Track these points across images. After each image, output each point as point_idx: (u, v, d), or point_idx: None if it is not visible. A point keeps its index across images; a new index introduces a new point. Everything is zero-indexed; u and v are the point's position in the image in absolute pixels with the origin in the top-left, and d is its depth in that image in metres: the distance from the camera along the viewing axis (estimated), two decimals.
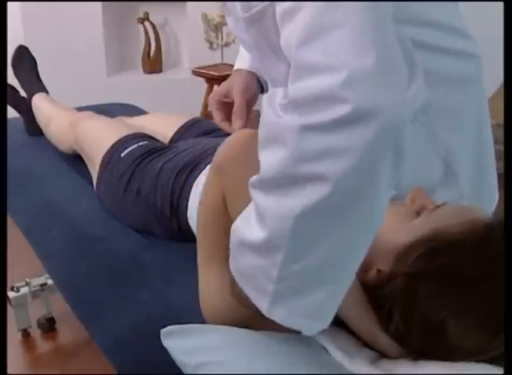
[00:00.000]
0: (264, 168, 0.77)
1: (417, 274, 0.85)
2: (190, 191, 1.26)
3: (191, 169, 1.30)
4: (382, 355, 0.92)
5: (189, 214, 1.25)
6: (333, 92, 0.68)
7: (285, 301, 0.82)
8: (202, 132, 1.64)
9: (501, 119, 3.62)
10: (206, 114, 2.77)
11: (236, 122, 1.27)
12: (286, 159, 0.73)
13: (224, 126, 1.31)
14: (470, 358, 0.84)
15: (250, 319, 0.93)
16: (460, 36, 1.12)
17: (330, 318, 0.84)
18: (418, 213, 0.93)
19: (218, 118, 1.32)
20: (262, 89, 1.40)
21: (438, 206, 0.94)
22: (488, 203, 1.26)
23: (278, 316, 0.83)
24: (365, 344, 0.94)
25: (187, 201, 1.26)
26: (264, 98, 0.82)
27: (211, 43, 3.03)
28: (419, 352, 0.87)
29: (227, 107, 1.31)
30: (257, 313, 0.85)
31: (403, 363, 0.88)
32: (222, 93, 1.33)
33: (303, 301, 0.81)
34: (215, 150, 1.32)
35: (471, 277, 0.83)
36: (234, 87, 1.33)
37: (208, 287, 1.00)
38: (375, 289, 0.91)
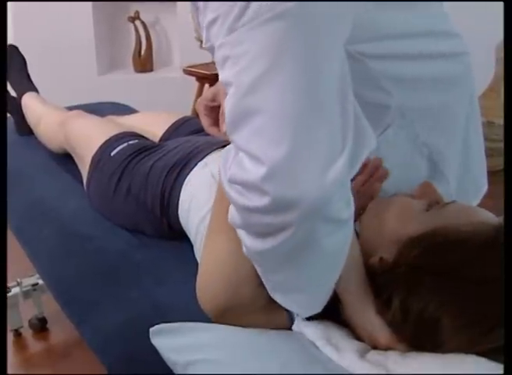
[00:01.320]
0: (231, 218, 0.84)
1: (421, 267, 0.86)
2: (180, 189, 1.26)
3: (182, 167, 1.30)
4: (373, 346, 0.93)
5: (179, 212, 1.25)
6: (256, 184, 0.72)
7: (279, 292, 0.91)
8: (192, 130, 1.63)
9: (491, 117, 3.64)
10: (197, 113, 2.77)
11: (224, 124, 1.26)
12: (242, 225, 0.82)
13: (212, 131, 1.31)
14: (457, 350, 0.85)
15: (247, 302, 0.96)
16: (443, 37, 1.11)
17: (322, 306, 0.91)
18: (428, 207, 0.94)
19: (205, 123, 1.32)
20: None
21: (447, 203, 0.95)
22: (472, 199, 1.26)
23: (277, 300, 0.92)
24: (356, 336, 0.95)
25: (178, 199, 1.26)
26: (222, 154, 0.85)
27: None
28: (410, 342, 0.88)
29: (215, 112, 1.31)
30: (255, 297, 0.95)
31: (392, 356, 0.88)
32: (208, 97, 1.32)
33: (291, 298, 0.91)
34: (206, 147, 1.32)
35: (474, 278, 0.84)
36: (220, 90, 1.32)
37: (218, 254, 0.98)
38: (375, 276, 0.93)
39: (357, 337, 0.96)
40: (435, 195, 0.98)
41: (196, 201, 1.20)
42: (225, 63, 0.75)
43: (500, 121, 3.42)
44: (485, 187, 1.31)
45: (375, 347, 0.93)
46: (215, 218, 1.01)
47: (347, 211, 0.78)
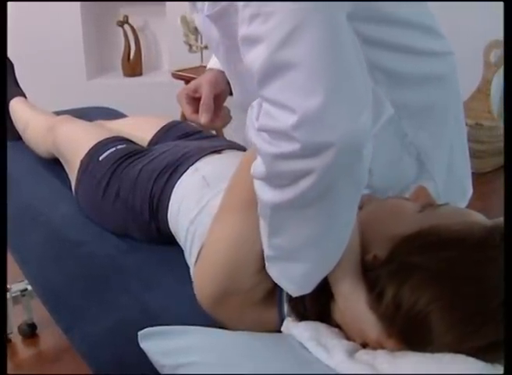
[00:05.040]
0: (255, 169, 0.87)
1: (413, 263, 0.88)
2: (170, 193, 1.26)
3: (172, 172, 1.30)
4: (362, 343, 0.93)
5: (169, 216, 1.25)
6: (286, 132, 0.75)
7: (275, 264, 0.94)
8: (181, 135, 1.63)
9: (479, 119, 3.65)
10: (185, 117, 2.77)
11: (203, 115, 1.31)
12: (265, 175, 0.83)
13: (193, 118, 1.34)
14: (447, 348, 0.86)
15: (245, 288, 0.97)
16: (432, 35, 1.13)
17: (313, 286, 0.94)
18: (421, 209, 0.97)
19: (187, 111, 1.35)
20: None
21: (440, 205, 0.98)
22: (459, 202, 1.27)
23: (271, 274, 0.95)
24: (346, 335, 0.96)
25: (167, 203, 1.26)
26: (249, 111, 0.87)
27: (190, 46, 3.03)
28: (400, 338, 0.89)
29: (196, 102, 1.34)
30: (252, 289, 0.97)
31: (381, 356, 0.89)
32: (191, 88, 1.36)
33: (288, 270, 0.93)
34: (196, 152, 1.32)
35: (465, 275, 0.85)
36: (203, 82, 1.36)
37: (224, 234, 0.99)
38: (368, 271, 0.94)
39: (347, 336, 0.96)
40: (428, 199, 1.01)
41: (186, 203, 1.20)
42: (254, 21, 0.78)
43: (488, 123, 3.44)
44: (470, 190, 1.32)
45: (364, 344, 0.94)
46: (228, 199, 1.02)
47: (366, 167, 0.82)
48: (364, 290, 0.93)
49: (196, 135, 1.62)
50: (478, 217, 0.94)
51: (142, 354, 0.95)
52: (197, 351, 0.90)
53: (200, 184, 1.22)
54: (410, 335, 0.88)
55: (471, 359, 0.84)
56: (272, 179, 0.83)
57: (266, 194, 0.86)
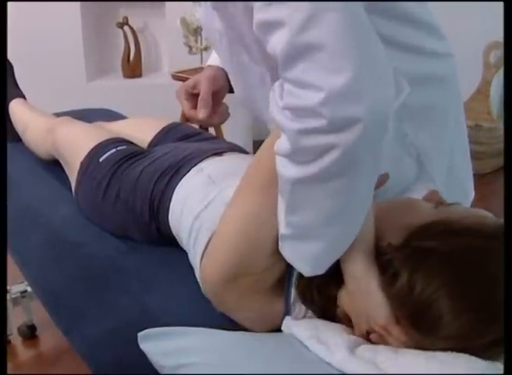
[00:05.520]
0: (279, 147, 0.87)
1: (427, 248, 0.90)
2: (171, 194, 1.26)
3: (173, 173, 1.30)
4: (368, 331, 0.94)
5: (170, 216, 1.25)
6: (313, 108, 0.77)
7: (289, 244, 0.94)
8: (181, 136, 1.63)
9: (479, 121, 3.65)
10: (186, 119, 2.76)
11: (201, 110, 1.32)
12: (290, 151, 0.84)
13: (193, 114, 1.35)
14: (454, 341, 0.87)
15: (256, 271, 0.97)
16: (435, 35, 1.13)
17: (326, 266, 0.95)
18: (436, 206, 1.00)
19: (186, 107, 1.36)
20: (232, 88, 1.42)
21: (452, 204, 1.02)
22: (461, 203, 1.27)
23: (285, 254, 0.96)
24: (347, 329, 0.97)
25: (169, 204, 1.26)
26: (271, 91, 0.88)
27: (190, 47, 3.03)
28: (409, 322, 0.90)
29: (194, 98, 1.35)
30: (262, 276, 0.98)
31: (382, 353, 0.89)
32: (190, 84, 1.37)
33: (303, 249, 0.93)
34: (198, 154, 1.32)
35: (476, 264, 0.88)
36: (202, 78, 1.37)
37: (240, 214, 0.99)
38: (381, 255, 0.95)
39: (350, 328, 0.98)
40: (440, 200, 1.03)
41: (190, 201, 1.20)
42: (272, 6, 0.79)
43: (488, 124, 3.44)
44: (472, 193, 1.32)
45: (368, 335, 0.95)
46: (246, 180, 1.02)
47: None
48: (377, 272, 0.94)
49: (196, 137, 1.62)
50: (487, 213, 0.98)
51: (142, 355, 0.95)
52: (197, 352, 0.90)
53: (205, 182, 1.22)
54: (420, 319, 0.89)
55: (473, 358, 0.84)
56: (297, 155, 0.84)
57: (288, 169, 0.86)
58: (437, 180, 1.20)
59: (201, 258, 1.07)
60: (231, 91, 1.43)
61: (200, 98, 1.33)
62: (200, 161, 1.30)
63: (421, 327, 0.89)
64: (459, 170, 1.28)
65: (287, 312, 1.02)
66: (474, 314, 0.86)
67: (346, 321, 0.99)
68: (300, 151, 0.83)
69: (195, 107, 1.34)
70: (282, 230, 0.94)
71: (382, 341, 0.94)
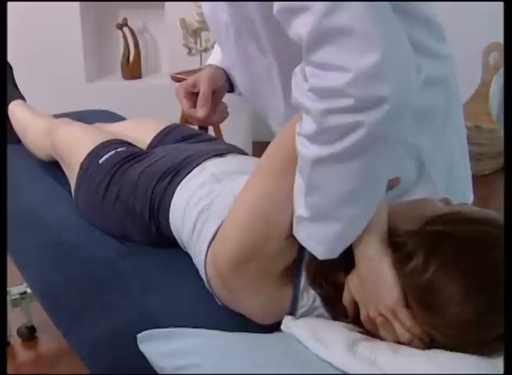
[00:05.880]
0: (302, 128, 0.90)
1: (443, 233, 0.92)
2: (172, 195, 1.26)
3: (174, 174, 1.30)
4: (374, 315, 0.95)
5: (171, 217, 1.25)
6: (340, 89, 0.79)
7: (306, 226, 0.95)
8: (181, 138, 1.63)
9: (479, 122, 3.64)
10: (185, 120, 2.77)
11: (201, 109, 1.33)
12: (314, 132, 0.86)
13: (192, 113, 1.36)
14: (460, 327, 0.88)
15: (270, 252, 0.98)
16: (438, 37, 1.14)
17: (341, 249, 0.95)
18: (447, 203, 1.03)
19: (185, 106, 1.37)
20: (231, 87, 1.44)
21: (462, 203, 1.05)
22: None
23: (299, 237, 0.97)
24: (344, 324, 0.99)
25: (170, 204, 1.25)
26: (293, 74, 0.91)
27: (189, 48, 3.03)
28: (418, 301, 0.91)
29: (194, 97, 1.36)
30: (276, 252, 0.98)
31: (381, 350, 0.90)
32: (190, 83, 1.38)
33: (318, 230, 0.94)
34: (199, 156, 1.33)
35: (491, 250, 0.90)
36: (202, 77, 1.37)
37: (258, 195, 1.00)
38: (396, 238, 0.96)
39: (349, 322, 0.99)
40: (448, 201, 1.05)
41: (195, 197, 1.20)
42: None
43: (487, 125, 3.44)
44: (471, 195, 1.33)
45: (373, 322, 0.95)
46: (263, 164, 1.03)
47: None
48: (390, 252, 0.95)
49: (195, 138, 1.62)
50: (494, 212, 1.00)
51: (141, 356, 0.95)
52: (196, 354, 0.90)
53: (209, 180, 1.22)
54: (430, 298, 0.90)
55: (473, 359, 0.84)
56: (321, 135, 0.85)
57: (309, 150, 0.88)
58: (437, 182, 1.20)
59: (208, 247, 1.08)
60: (230, 90, 1.44)
61: (199, 97, 1.34)
62: (202, 161, 1.31)
63: (430, 307, 0.90)
64: (458, 172, 1.28)
65: (295, 301, 1.02)
66: (486, 298, 0.87)
67: (352, 309, 0.99)
68: (325, 132, 0.84)
69: (194, 106, 1.35)
70: (300, 211, 0.95)
71: (388, 327, 0.94)
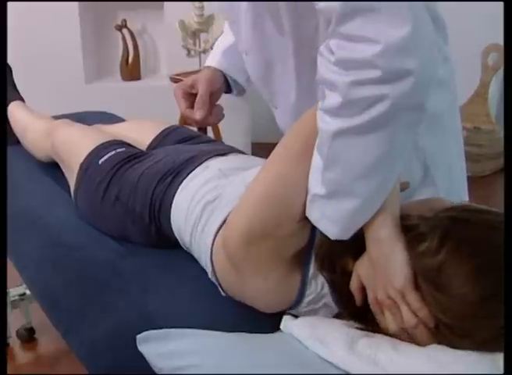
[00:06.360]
0: (325, 103, 0.91)
1: (456, 218, 0.95)
2: (173, 196, 1.26)
3: (176, 173, 1.30)
4: (381, 299, 0.95)
5: (172, 219, 1.25)
6: (368, 60, 0.82)
7: (320, 204, 0.95)
8: (180, 139, 1.64)
9: (478, 123, 3.65)
10: (184, 121, 2.77)
11: (198, 111, 1.36)
12: (339, 104, 0.87)
13: (188, 113, 1.38)
14: (466, 311, 0.88)
15: (282, 234, 0.98)
16: (445, 38, 1.15)
17: (354, 229, 0.96)
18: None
19: (183, 106, 1.40)
20: (228, 88, 1.46)
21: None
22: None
23: (312, 217, 0.97)
24: (344, 322, 0.99)
25: (170, 206, 1.25)
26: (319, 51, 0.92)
27: (188, 50, 3.03)
28: (426, 280, 0.92)
29: (191, 97, 1.39)
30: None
31: (382, 347, 0.90)
32: (188, 84, 1.41)
33: (334, 208, 0.94)
34: (202, 155, 1.33)
35: (495, 234, 0.91)
36: (200, 78, 1.39)
37: (275, 177, 1.00)
38: (408, 222, 0.98)
39: (351, 313, 1.00)
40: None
41: (200, 193, 1.20)
42: None
43: (486, 126, 3.44)
44: (466, 199, 1.33)
45: (383, 300, 0.95)
46: (280, 149, 1.03)
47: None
48: (403, 234, 0.96)
49: (195, 139, 1.62)
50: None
51: (140, 358, 0.95)
52: (195, 354, 0.91)
53: (215, 176, 1.23)
54: (439, 279, 0.90)
55: (473, 359, 0.84)
56: (345, 108, 0.87)
57: (331, 123, 0.89)
58: (439, 185, 1.21)
59: (216, 233, 1.08)
60: (227, 91, 1.45)
61: (197, 98, 1.36)
62: (204, 160, 1.31)
63: (439, 287, 0.91)
64: (455, 173, 1.29)
65: (303, 288, 1.02)
66: (491, 282, 0.88)
67: (359, 295, 0.99)
68: (350, 104, 0.86)
69: (191, 106, 1.37)
70: (315, 190, 0.95)
71: (395, 310, 0.94)
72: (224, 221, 1.08)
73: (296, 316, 1.05)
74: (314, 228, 1.01)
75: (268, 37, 1.19)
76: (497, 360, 0.84)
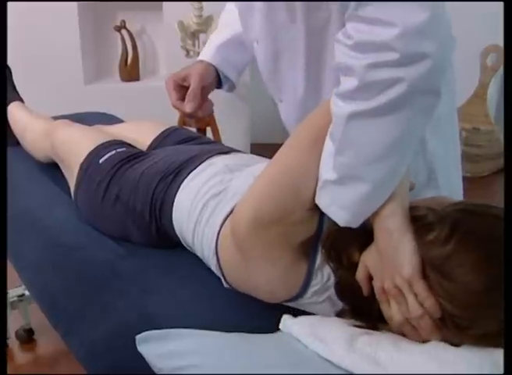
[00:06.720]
0: (340, 88, 0.93)
1: (468, 209, 0.97)
2: (175, 194, 1.26)
3: (178, 172, 1.30)
4: (388, 288, 0.95)
5: (174, 217, 1.25)
6: (387, 43, 0.83)
7: (330, 190, 0.96)
8: (180, 140, 1.63)
9: (477, 124, 3.65)
10: (183, 122, 2.77)
11: (189, 104, 1.40)
12: (355, 88, 0.88)
13: (179, 105, 1.42)
14: (467, 298, 0.89)
15: (292, 220, 0.99)
16: None
17: (363, 217, 0.96)
18: None
19: (173, 97, 1.43)
20: (219, 83, 1.48)
21: None
22: None
23: (322, 203, 0.98)
24: (343, 320, 0.99)
25: (172, 204, 1.25)
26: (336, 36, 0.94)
27: (187, 51, 3.03)
28: (436, 270, 0.92)
29: (183, 90, 1.42)
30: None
31: (382, 345, 0.90)
32: (180, 76, 1.44)
33: (343, 193, 0.95)
34: (203, 154, 1.33)
35: (501, 226, 0.92)
36: (193, 72, 1.42)
37: (288, 166, 1.02)
38: (417, 212, 0.98)
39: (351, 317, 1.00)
40: None
41: (204, 188, 1.20)
42: None
43: (485, 127, 3.44)
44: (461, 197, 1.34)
45: (390, 290, 0.95)
46: (296, 137, 1.05)
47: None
48: (412, 225, 0.96)
49: (195, 141, 1.62)
50: None
51: (140, 359, 0.95)
52: (195, 354, 0.91)
53: (221, 171, 1.24)
54: (447, 268, 0.91)
55: (473, 358, 0.84)
56: (361, 91, 0.88)
57: (345, 107, 0.90)
58: (442, 188, 1.22)
59: (224, 221, 1.09)
60: (218, 86, 1.47)
61: (189, 92, 1.39)
62: (206, 159, 1.31)
63: (446, 275, 0.91)
64: (453, 174, 1.29)
65: (309, 277, 1.02)
66: (496, 272, 0.88)
67: (366, 284, 0.99)
68: (367, 87, 0.87)
69: (181, 98, 1.41)
70: (326, 175, 0.96)
71: (401, 299, 0.94)
72: (231, 211, 1.09)
73: (295, 315, 1.05)
74: (322, 219, 1.02)
75: (280, 25, 1.19)
76: (498, 360, 0.85)
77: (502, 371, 0.81)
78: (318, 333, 0.94)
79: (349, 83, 0.89)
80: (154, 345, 0.93)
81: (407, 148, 0.94)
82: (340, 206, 0.96)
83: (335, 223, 0.99)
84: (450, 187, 1.27)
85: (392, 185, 0.95)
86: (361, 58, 0.86)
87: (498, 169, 3.38)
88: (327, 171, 0.96)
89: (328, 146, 0.96)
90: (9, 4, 2.58)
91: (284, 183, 0.99)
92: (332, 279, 1.04)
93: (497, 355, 0.85)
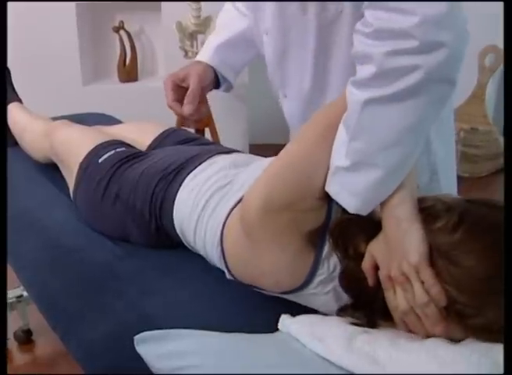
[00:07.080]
0: (356, 76, 0.95)
1: (475, 200, 0.99)
2: (175, 193, 1.26)
3: (177, 173, 1.30)
4: (394, 274, 0.95)
5: (175, 216, 1.25)
6: (407, 30, 0.86)
7: (342, 176, 0.97)
8: (180, 141, 1.63)
9: (475, 124, 3.64)
10: (182, 123, 2.77)
11: (187, 106, 1.39)
12: (372, 75, 0.90)
13: (175, 106, 1.41)
14: (474, 288, 0.90)
15: (302, 207, 1.00)
16: None
17: (372, 204, 0.98)
18: None
19: (170, 98, 1.42)
20: (217, 84, 1.47)
21: None
22: None
23: (332, 190, 0.99)
24: (342, 319, 0.99)
25: (173, 203, 1.25)
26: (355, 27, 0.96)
27: (186, 51, 3.03)
28: (443, 255, 0.93)
29: (181, 91, 1.41)
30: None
31: (380, 344, 0.90)
32: (179, 77, 1.43)
33: (355, 180, 0.97)
34: (204, 154, 1.33)
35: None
36: (192, 73, 1.41)
37: (301, 155, 1.03)
38: (423, 203, 0.99)
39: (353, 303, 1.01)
40: None
41: (207, 184, 1.20)
42: None
43: (483, 127, 3.44)
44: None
45: (396, 277, 0.96)
46: (307, 129, 1.07)
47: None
48: (420, 214, 0.97)
49: (194, 142, 1.62)
50: None
51: (138, 359, 0.95)
52: (194, 354, 0.91)
53: (224, 167, 1.24)
54: (454, 254, 0.92)
55: (474, 358, 0.84)
56: (378, 78, 0.90)
57: (361, 94, 0.92)
58: (443, 191, 1.22)
59: (230, 211, 1.10)
60: (216, 87, 1.47)
61: (188, 92, 1.38)
62: (206, 158, 1.31)
63: (453, 262, 0.92)
64: (449, 175, 1.29)
65: (315, 266, 1.03)
66: (499, 260, 0.89)
67: (371, 274, 1.00)
68: (384, 74, 0.89)
69: (178, 99, 1.40)
70: (338, 162, 0.97)
71: (407, 287, 0.95)
72: (237, 202, 1.10)
73: (294, 315, 1.04)
74: (330, 209, 1.03)
75: (291, 17, 1.20)
76: (497, 360, 0.85)
77: (502, 370, 0.81)
78: (317, 332, 0.94)
79: (366, 70, 0.91)
80: (152, 346, 0.93)
81: (420, 135, 0.96)
82: (351, 193, 0.97)
83: (343, 212, 1.00)
84: (449, 189, 1.27)
85: (404, 172, 0.96)
86: (379, 46, 0.88)
87: (496, 169, 3.38)
88: (339, 158, 0.97)
89: (341, 134, 0.98)
90: (8, 4, 2.58)
91: (296, 170, 1.01)
92: (338, 270, 1.04)
93: (497, 355, 0.85)
